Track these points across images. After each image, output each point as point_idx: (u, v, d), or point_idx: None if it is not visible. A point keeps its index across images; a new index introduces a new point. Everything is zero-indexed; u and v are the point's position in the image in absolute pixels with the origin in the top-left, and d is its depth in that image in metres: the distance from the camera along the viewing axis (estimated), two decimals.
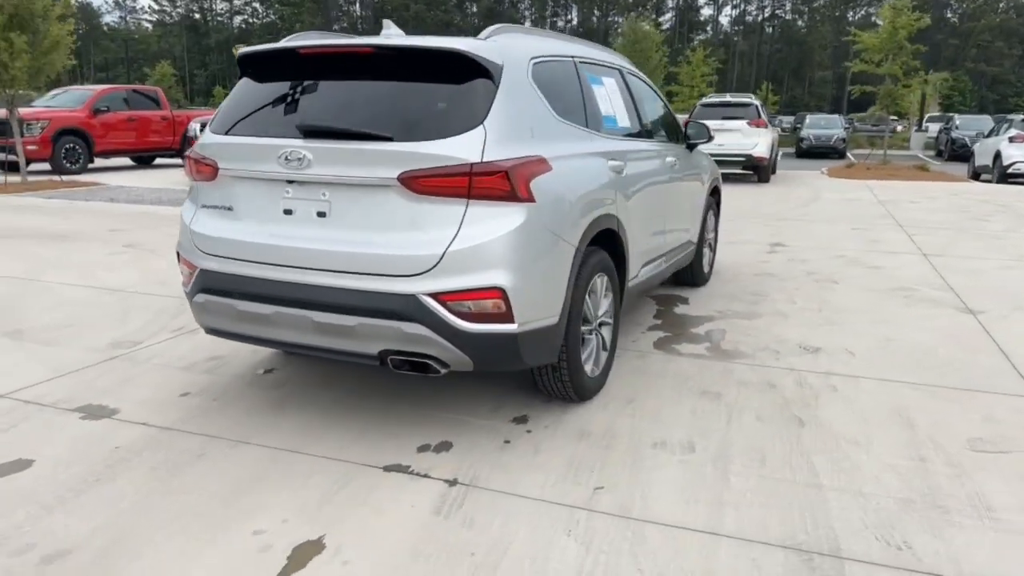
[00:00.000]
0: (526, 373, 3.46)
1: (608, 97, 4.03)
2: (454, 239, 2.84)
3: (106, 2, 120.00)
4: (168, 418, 3.36)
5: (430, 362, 2.93)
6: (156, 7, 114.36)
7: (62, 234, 8.07)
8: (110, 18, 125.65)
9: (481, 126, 2.89)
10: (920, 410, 3.52)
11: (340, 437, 3.18)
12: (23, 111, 15.45)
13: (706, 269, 6.03)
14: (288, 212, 3.09)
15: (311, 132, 2.99)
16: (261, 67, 3.40)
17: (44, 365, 4.00)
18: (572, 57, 3.78)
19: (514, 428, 3.29)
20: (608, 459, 3.01)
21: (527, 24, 65.22)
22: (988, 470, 2.93)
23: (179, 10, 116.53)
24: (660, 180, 4.45)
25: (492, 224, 2.87)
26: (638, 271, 4.18)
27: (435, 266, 2.82)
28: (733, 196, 12.29)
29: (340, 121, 3.01)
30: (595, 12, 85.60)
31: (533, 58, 3.34)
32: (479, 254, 2.84)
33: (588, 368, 3.54)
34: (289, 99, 3.21)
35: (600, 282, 3.60)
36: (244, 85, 3.40)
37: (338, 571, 2.29)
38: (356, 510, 2.62)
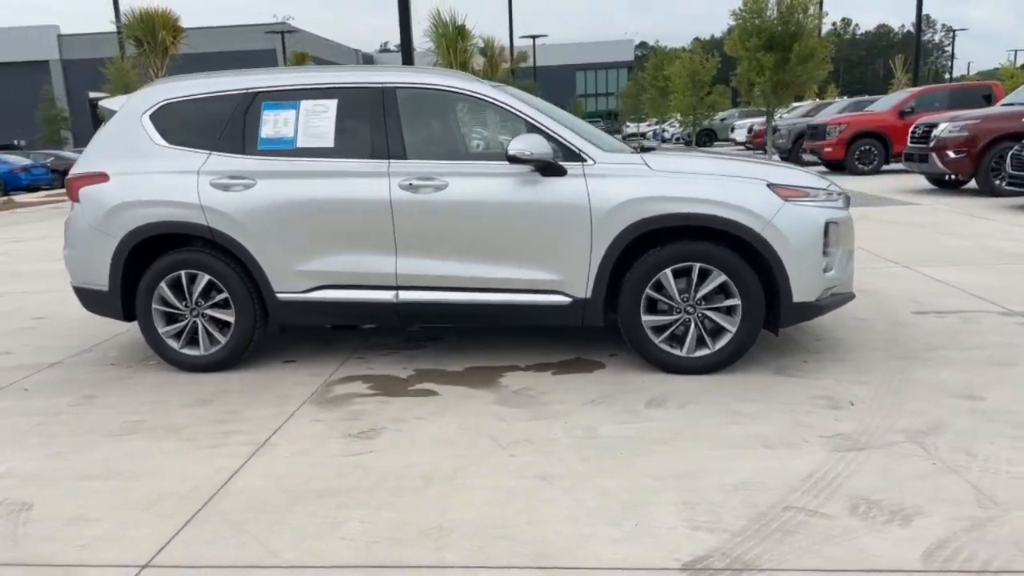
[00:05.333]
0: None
1: (287, 121, 4.25)
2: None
3: None
4: None
5: None
6: None
7: None
8: None
9: (86, 150, 4.57)
10: None
11: None
12: (828, 119, 17.28)
13: (682, 351, 4.00)
14: None
15: None
16: None
17: None
18: (247, 89, 4.34)
19: None
20: None
21: None
22: None
23: None
24: (366, 200, 4.11)
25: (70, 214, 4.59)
26: (308, 288, 4.26)
27: None
28: None
29: None
30: None
31: (162, 100, 4.42)
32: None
33: (176, 343, 4.43)
34: None
35: (197, 278, 4.33)
36: None
37: None
38: None
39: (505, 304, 4.15)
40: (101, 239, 4.38)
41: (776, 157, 16.96)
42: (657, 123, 36.71)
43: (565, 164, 4.01)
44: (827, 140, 16.58)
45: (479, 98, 4.23)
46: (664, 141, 37.86)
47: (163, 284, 4.37)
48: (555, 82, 66.93)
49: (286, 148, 4.28)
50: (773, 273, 3.89)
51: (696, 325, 3.99)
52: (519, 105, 4.17)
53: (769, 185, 3.93)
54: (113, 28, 15.77)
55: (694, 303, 3.97)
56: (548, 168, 3.99)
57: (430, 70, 4.47)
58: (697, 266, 3.93)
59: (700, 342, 4.02)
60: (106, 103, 4.69)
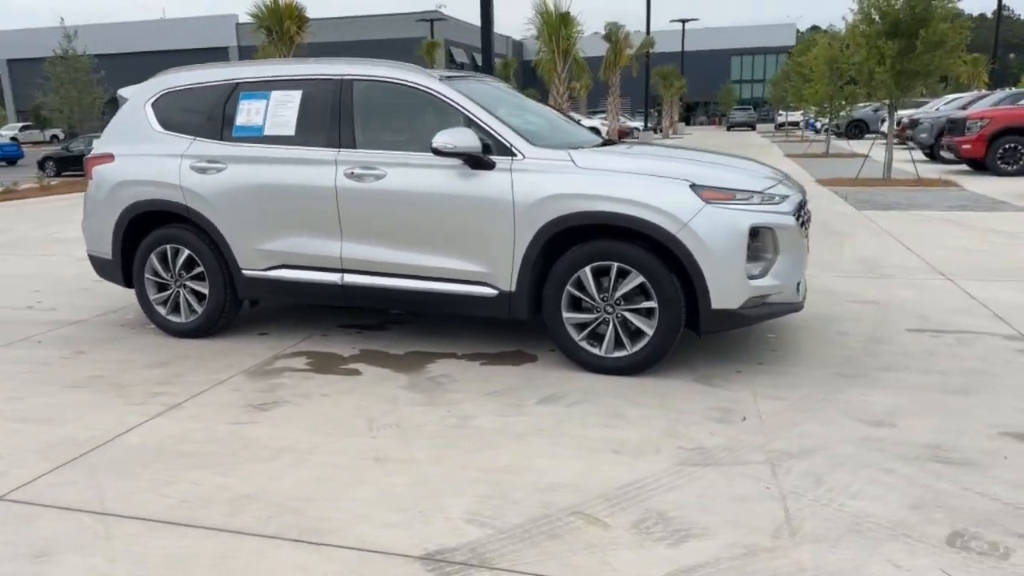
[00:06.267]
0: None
1: (259, 111, 4.56)
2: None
3: None
4: None
5: None
6: None
7: None
8: None
9: (103, 134, 5.14)
10: None
11: None
12: (969, 112, 15.71)
13: (601, 350, 3.96)
14: None
15: None
16: None
17: None
18: (231, 80, 4.71)
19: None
20: None
21: None
22: None
23: None
24: (315, 187, 4.35)
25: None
26: (267, 267, 4.59)
27: None
28: None
29: None
30: None
31: (163, 90, 4.89)
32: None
33: (163, 309, 4.92)
34: None
35: (180, 252, 4.79)
36: None
37: None
38: None
39: (437, 292, 4.27)
40: (106, 212, 4.93)
41: (887, 155, 15.65)
42: (814, 113, 34.50)
43: (495, 158, 4.06)
44: (966, 136, 15.09)
45: (420, 90, 4.35)
46: (816, 132, 35.69)
47: (153, 256, 4.85)
48: (707, 67, 64.82)
49: (255, 135, 4.61)
50: (691, 277, 3.76)
51: (614, 325, 3.93)
52: (458, 98, 4.23)
53: (692, 186, 3.78)
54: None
55: (613, 303, 3.91)
56: (477, 161, 4.06)
57: (383, 63, 4.60)
58: (615, 265, 3.86)
59: (620, 343, 3.95)
60: (122, 91, 5.23)
